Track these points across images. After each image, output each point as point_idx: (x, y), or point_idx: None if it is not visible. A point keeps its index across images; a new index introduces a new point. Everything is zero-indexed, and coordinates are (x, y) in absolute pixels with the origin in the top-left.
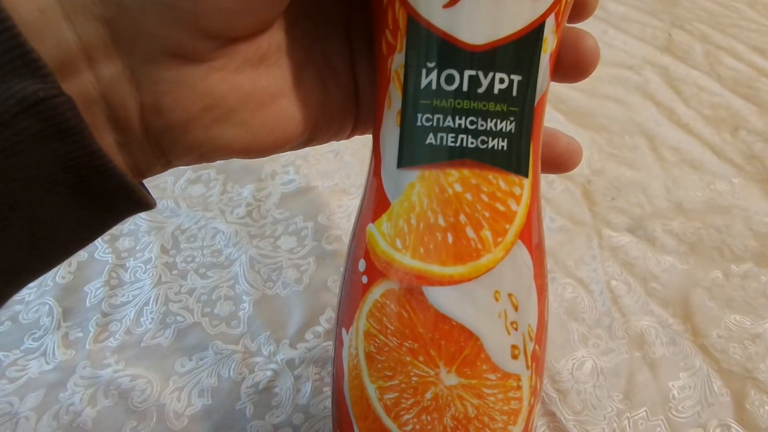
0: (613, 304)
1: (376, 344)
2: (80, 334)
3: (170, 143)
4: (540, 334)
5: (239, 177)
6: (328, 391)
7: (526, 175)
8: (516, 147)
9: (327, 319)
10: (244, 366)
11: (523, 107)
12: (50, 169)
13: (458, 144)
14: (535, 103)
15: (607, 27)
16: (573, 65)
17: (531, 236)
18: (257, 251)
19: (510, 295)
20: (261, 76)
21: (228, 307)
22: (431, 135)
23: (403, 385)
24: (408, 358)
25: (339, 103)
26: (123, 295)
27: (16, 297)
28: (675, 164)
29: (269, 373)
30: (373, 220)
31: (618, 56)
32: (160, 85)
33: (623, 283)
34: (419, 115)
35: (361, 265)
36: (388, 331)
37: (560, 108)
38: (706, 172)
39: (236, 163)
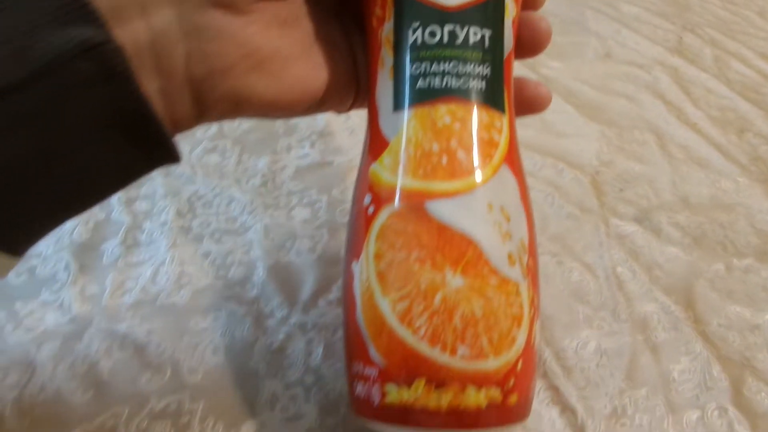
0: (618, 289)
1: (386, 262)
2: (96, 290)
3: (209, 90)
4: (532, 249)
5: (255, 149)
6: (339, 354)
7: (504, 112)
8: (492, 87)
9: (339, 288)
10: (257, 328)
11: (494, 56)
12: (99, 113)
13: (444, 84)
14: (504, 56)
15: (620, 27)
16: (529, 41)
17: (514, 164)
18: (272, 220)
19: (501, 208)
20: (286, 36)
21: (242, 272)
22: (421, 80)
23: (414, 292)
24: (417, 267)
25: (345, 74)
26: (139, 255)
27: (33, 251)
28: (682, 161)
29: (282, 335)
30: (375, 160)
31: (629, 55)
32: (206, 32)
33: (628, 270)
34: (409, 66)
35: (367, 199)
36: (396, 247)
37: (571, 101)
38: (712, 170)
39: (252, 135)
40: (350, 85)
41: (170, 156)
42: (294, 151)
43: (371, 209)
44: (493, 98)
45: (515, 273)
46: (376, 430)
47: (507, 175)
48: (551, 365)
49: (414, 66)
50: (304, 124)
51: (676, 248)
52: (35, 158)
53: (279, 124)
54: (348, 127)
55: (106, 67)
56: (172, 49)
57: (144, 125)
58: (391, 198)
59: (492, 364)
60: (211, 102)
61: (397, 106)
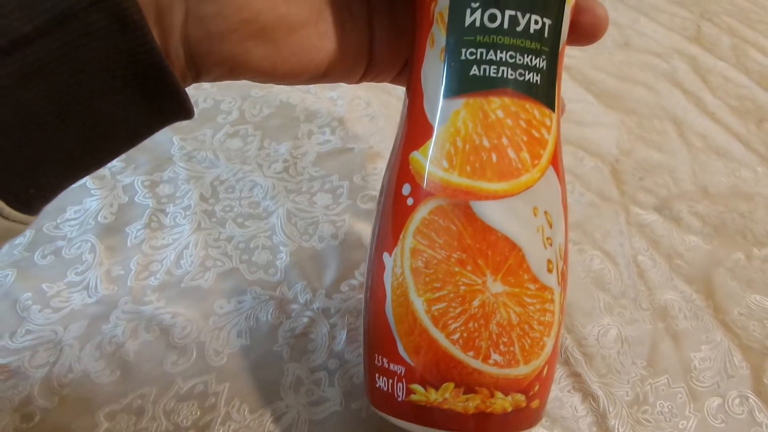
0: (638, 277)
1: (424, 259)
2: (122, 272)
3: (205, 53)
4: (566, 255)
5: (276, 134)
6: (362, 340)
7: (554, 110)
8: (546, 82)
9: (362, 273)
10: (281, 311)
11: (552, 48)
12: (112, 63)
13: (500, 75)
14: (560, 47)
15: (638, 15)
16: (589, 27)
17: (558, 165)
18: (294, 205)
19: (546, 212)
20: (292, 2)
21: (266, 256)
22: (475, 67)
23: (452, 295)
24: (457, 269)
25: (354, 46)
26: (163, 238)
27: (59, 233)
28: (701, 150)
29: (305, 319)
30: (417, 148)
31: (648, 44)
32: None
33: (649, 259)
34: (463, 50)
35: (406, 189)
36: (437, 245)
37: (591, 89)
38: (731, 160)
39: (273, 120)
40: (361, 56)
41: (183, 109)
42: (315, 137)
43: (410, 200)
44: (546, 94)
45: (552, 280)
46: (395, 424)
47: (552, 177)
48: (573, 352)
49: (468, 51)
50: (324, 110)
51: (697, 237)
52: (48, 110)
53: (299, 110)
54: (368, 113)
55: (118, 18)
56: (172, 7)
57: (156, 77)
58: (435, 192)
59: (522, 371)
60: (207, 65)
61: (447, 92)
